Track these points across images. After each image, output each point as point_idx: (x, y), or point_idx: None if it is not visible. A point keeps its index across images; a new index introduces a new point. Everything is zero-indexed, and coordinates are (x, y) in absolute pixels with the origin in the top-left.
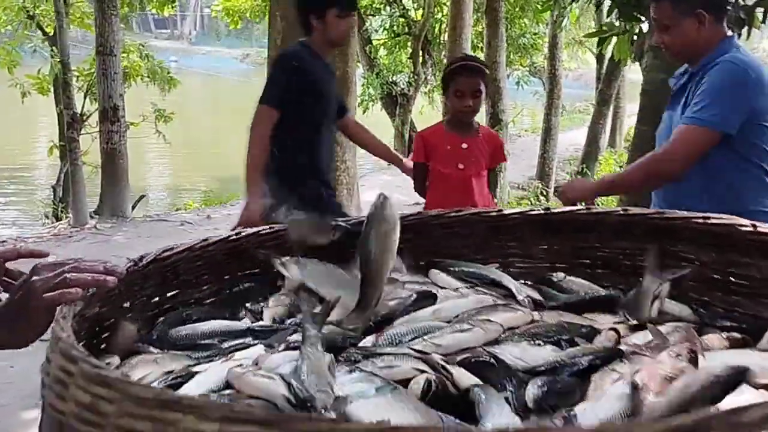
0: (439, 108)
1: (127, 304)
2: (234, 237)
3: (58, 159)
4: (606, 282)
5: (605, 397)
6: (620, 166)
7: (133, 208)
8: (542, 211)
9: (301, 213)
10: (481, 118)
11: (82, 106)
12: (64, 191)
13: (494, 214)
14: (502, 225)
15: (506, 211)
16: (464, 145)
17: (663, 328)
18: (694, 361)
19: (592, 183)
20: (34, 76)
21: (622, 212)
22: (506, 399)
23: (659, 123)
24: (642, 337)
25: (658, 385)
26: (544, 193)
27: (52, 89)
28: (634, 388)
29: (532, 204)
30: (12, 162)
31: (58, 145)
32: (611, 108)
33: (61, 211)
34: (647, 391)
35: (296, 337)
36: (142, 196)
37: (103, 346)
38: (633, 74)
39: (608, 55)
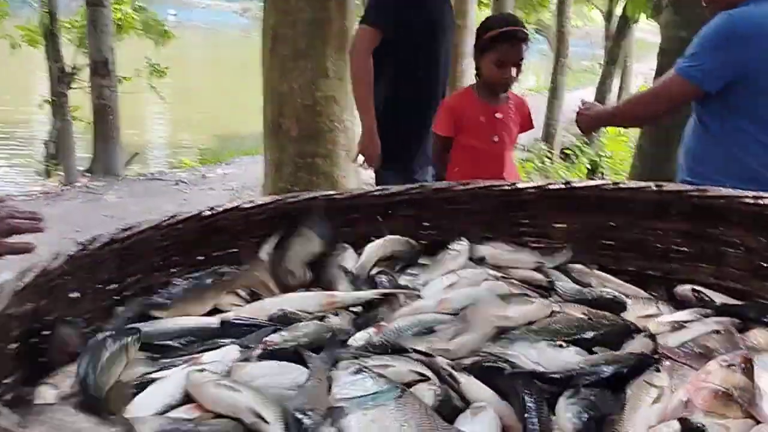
0: None
1: (75, 295)
2: (207, 213)
3: (51, 115)
4: (632, 267)
5: (644, 417)
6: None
7: (126, 165)
8: (563, 186)
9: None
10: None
11: (73, 60)
12: (56, 148)
13: (507, 187)
14: (515, 200)
15: (521, 185)
16: (498, 115)
17: (701, 326)
18: (749, 372)
19: (598, 113)
20: (24, 27)
21: (655, 188)
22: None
23: None
24: (678, 338)
25: (709, 403)
26: (549, 155)
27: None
28: (680, 407)
29: (536, 168)
30: (8, 117)
31: (50, 100)
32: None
33: (53, 169)
34: (694, 410)
35: (276, 337)
36: (136, 154)
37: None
38: (640, 33)
39: (619, 12)
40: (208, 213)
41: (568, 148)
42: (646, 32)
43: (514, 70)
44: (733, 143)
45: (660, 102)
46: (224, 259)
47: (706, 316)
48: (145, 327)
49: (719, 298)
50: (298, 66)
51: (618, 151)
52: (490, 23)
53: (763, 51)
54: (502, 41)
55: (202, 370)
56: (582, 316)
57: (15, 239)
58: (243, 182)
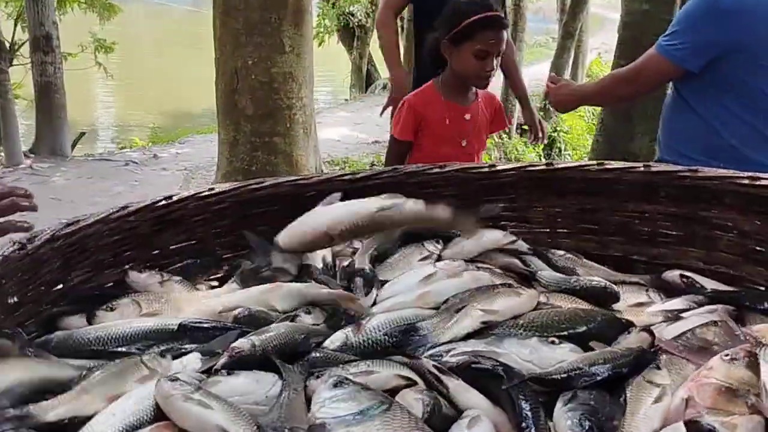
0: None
1: (13, 300)
2: (162, 203)
3: None
4: (617, 252)
5: (647, 419)
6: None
7: (73, 146)
8: (543, 167)
9: None
10: None
11: (13, 35)
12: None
13: (485, 170)
14: (493, 183)
15: (499, 167)
16: (467, 116)
17: (697, 317)
18: (752, 365)
19: (575, 92)
20: None
21: (644, 169)
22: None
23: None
24: (675, 330)
25: (712, 399)
26: (506, 130)
27: None
28: (683, 405)
29: (494, 143)
30: None
31: None
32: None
33: None
34: (698, 408)
35: (245, 343)
36: (83, 134)
37: None
38: (593, 7)
39: None
40: (163, 202)
41: (525, 124)
42: (599, 6)
43: (495, 62)
44: (714, 120)
45: (641, 81)
46: (182, 252)
47: (699, 304)
48: (97, 331)
49: (710, 284)
50: (252, 41)
51: (575, 126)
52: (464, 9)
53: (746, 27)
54: (483, 29)
55: (174, 379)
56: (572, 308)
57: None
58: (197, 162)
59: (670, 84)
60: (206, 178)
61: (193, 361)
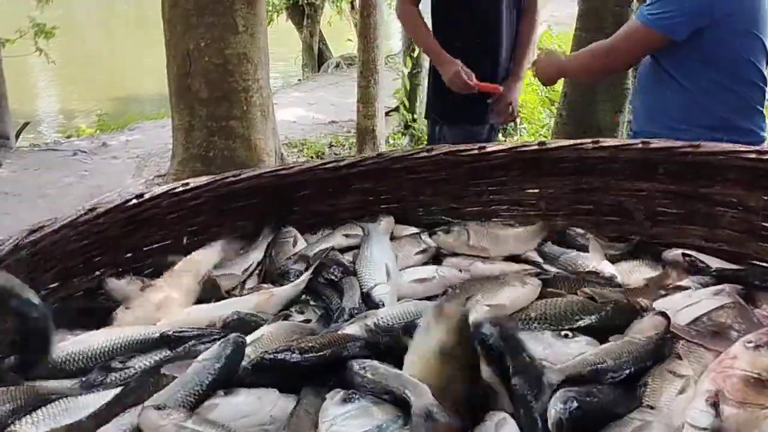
0: (349, 19)
1: None
2: (133, 202)
3: None
4: (614, 233)
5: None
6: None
7: (17, 136)
8: (536, 147)
9: None
10: (389, 27)
11: None
12: None
13: (474, 152)
14: (483, 166)
15: (489, 148)
16: None
17: (710, 300)
18: None
19: (561, 65)
20: None
21: (642, 146)
22: None
23: (605, 29)
24: (689, 314)
25: (741, 392)
26: None
27: None
28: (712, 400)
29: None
30: None
31: None
32: None
33: None
34: (726, 402)
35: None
36: (27, 123)
37: None
38: None
39: None
40: (134, 201)
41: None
42: None
43: None
44: (698, 91)
45: (624, 53)
46: (157, 253)
47: (705, 284)
48: (71, 346)
49: (712, 262)
50: (204, 21)
51: (528, 101)
52: None
53: None
54: None
55: (160, 407)
56: (583, 296)
57: None
58: (149, 149)
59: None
60: (159, 165)
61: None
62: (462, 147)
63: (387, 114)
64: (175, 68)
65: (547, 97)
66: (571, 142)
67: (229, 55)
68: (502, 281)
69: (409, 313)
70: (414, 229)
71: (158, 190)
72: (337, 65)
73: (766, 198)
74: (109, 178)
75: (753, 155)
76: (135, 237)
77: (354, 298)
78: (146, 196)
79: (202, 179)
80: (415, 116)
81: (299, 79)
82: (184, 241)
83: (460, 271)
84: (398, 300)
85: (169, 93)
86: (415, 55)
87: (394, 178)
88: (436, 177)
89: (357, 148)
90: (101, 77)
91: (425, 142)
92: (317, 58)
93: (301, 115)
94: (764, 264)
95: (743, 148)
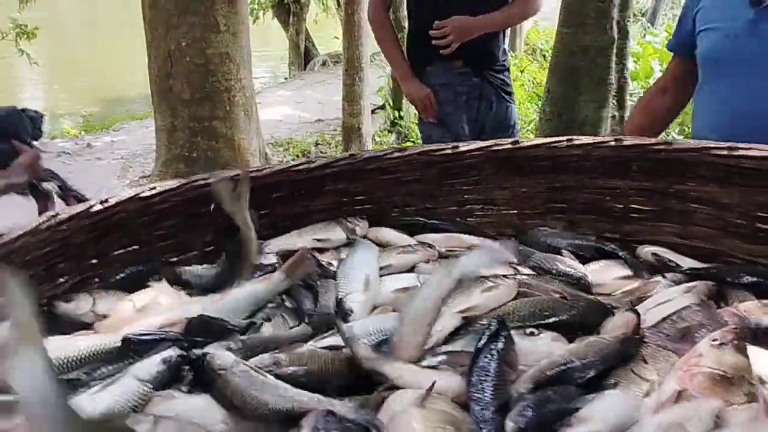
0: (335, 16)
1: None
2: (98, 207)
3: None
4: (588, 230)
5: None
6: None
7: None
8: (509, 146)
9: None
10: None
11: None
12: None
13: (448, 151)
14: (456, 165)
15: (462, 147)
16: None
17: (677, 298)
18: (743, 349)
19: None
20: None
21: (614, 143)
22: None
23: (587, 24)
24: (658, 313)
25: (707, 390)
26: None
27: None
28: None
29: None
30: None
31: None
32: None
33: None
34: (691, 399)
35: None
36: None
37: None
38: None
39: None
40: (99, 207)
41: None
42: None
43: None
44: (717, 98)
45: (669, 84)
46: (124, 260)
47: (679, 281)
48: None
49: (686, 260)
50: (185, 21)
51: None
52: None
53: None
54: None
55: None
56: (555, 294)
57: None
58: (134, 150)
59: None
60: (144, 166)
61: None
62: (435, 147)
63: (373, 112)
64: (156, 69)
65: (534, 92)
66: (545, 140)
67: (211, 54)
68: (477, 283)
69: (386, 329)
70: (407, 239)
71: (124, 194)
72: (324, 63)
73: (738, 194)
74: (93, 180)
75: (724, 152)
76: (101, 243)
77: (329, 303)
78: (111, 201)
79: (170, 183)
80: (402, 113)
81: (285, 78)
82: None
83: None
84: (378, 308)
85: (151, 94)
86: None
87: (367, 179)
88: (410, 177)
89: (343, 147)
90: (87, 78)
91: (413, 139)
92: (304, 56)
93: (288, 113)
94: (737, 261)
95: (714, 144)
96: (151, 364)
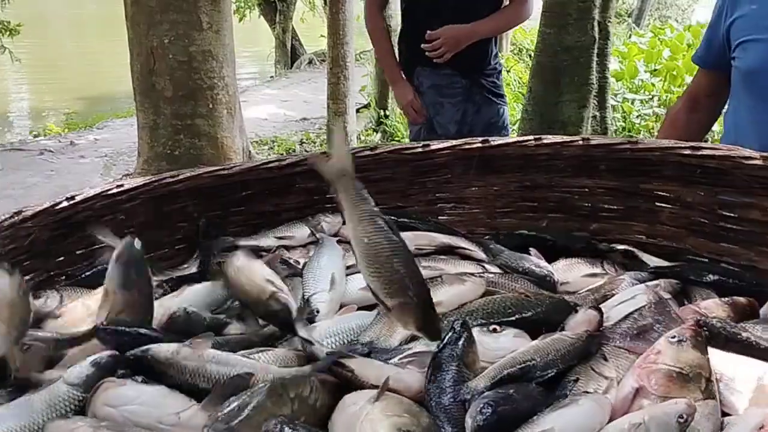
0: (322, 15)
1: None
2: (64, 204)
3: None
4: (558, 229)
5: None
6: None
7: None
8: (479, 144)
9: None
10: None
11: None
12: None
13: (418, 150)
14: (427, 164)
15: (433, 146)
16: None
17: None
18: (701, 346)
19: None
20: None
21: (582, 143)
22: None
23: (568, 25)
24: (618, 312)
25: (664, 387)
26: None
27: None
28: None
29: None
30: None
31: None
32: None
33: None
34: (649, 397)
35: None
36: None
37: None
38: None
39: None
40: (65, 204)
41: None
42: None
43: None
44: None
45: (694, 99)
46: (90, 258)
47: (641, 281)
48: None
49: (652, 258)
50: (167, 18)
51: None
52: None
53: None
54: None
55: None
56: (519, 293)
57: None
58: (118, 148)
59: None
60: (128, 164)
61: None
62: (406, 145)
63: (358, 111)
64: (138, 66)
65: (520, 92)
66: (515, 139)
67: (194, 52)
68: (443, 280)
69: (351, 329)
70: None
71: (91, 191)
72: (311, 62)
73: (701, 193)
74: (76, 178)
75: (688, 151)
76: (67, 241)
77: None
78: (78, 198)
79: (138, 180)
80: (387, 112)
81: (272, 76)
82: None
83: None
84: (343, 307)
85: (134, 91)
86: None
87: None
88: (381, 175)
89: (328, 145)
90: (71, 76)
91: (398, 139)
92: (291, 54)
93: (273, 112)
94: (701, 259)
95: (679, 143)
96: (82, 368)
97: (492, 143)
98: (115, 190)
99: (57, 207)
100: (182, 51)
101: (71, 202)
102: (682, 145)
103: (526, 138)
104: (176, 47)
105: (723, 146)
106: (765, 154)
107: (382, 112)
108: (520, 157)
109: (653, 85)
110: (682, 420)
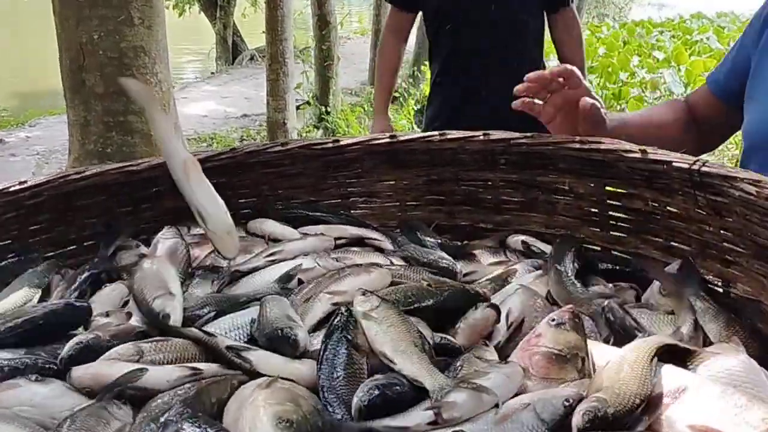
0: (262, 10)
1: None
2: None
3: None
4: (465, 221)
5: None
6: None
7: None
8: (387, 140)
9: None
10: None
11: None
12: None
13: (329, 145)
14: (338, 159)
15: (343, 141)
16: None
17: (534, 282)
18: (578, 328)
19: None
20: None
21: (483, 138)
22: None
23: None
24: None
25: (544, 368)
26: None
27: None
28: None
29: (365, 112)
30: None
31: None
32: None
33: None
34: (530, 378)
35: None
36: None
37: None
38: None
39: None
40: (17, 186)
41: (396, 91)
42: None
43: None
44: None
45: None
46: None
47: (538, 268)
48: None
49: (549, 248)
50: (96, 13)
51: None
52: None
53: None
54: None
55: None
56: (421, 283)
57: None
58: (50, 146)
59: None
60: (62, 162)
61: None
62: (316, 141)
63: (299, 107)
64: (68, 62)
65: None
66: (420, 135)
67: (125, 48)
68: (349, 270)
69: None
70: (291, 231)
71: (41, 179)
72: (252, 58)
73: (591, 185)
74: (6, 177)
75: (577, 145)
76: (13, 227)
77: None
78: (29, 183)
79: (42, 177)
80: (329, 109)
81: (212, 72)
82: None
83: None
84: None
85: (64, 88)
86: (325, 47)
87: (250, 173)
88: (293, 170)
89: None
90: (1, 72)
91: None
92: (232, 50)
93: (213, 108)
94: (594, 248)
95: (569, 138)
96: None
97: (399, 138)
98: (17, 187)
99: (8, 189)
100: (113, 47)
101: (22, 185)
102: (572, 140)
103: (431, 134)
104: (106, 43)
105: (607, 140)
106: (643, 147)
107: (323, 109)
108: (426, 152)
109: (590, 81)
110: (567, 404)
